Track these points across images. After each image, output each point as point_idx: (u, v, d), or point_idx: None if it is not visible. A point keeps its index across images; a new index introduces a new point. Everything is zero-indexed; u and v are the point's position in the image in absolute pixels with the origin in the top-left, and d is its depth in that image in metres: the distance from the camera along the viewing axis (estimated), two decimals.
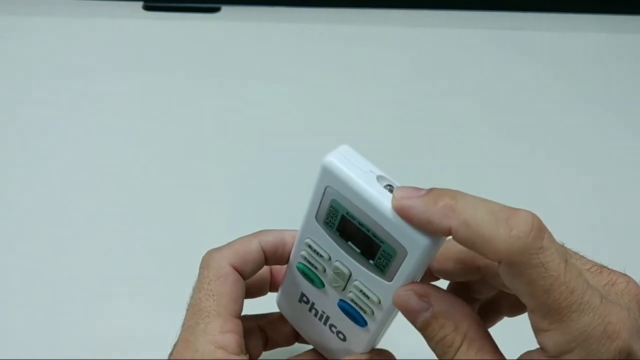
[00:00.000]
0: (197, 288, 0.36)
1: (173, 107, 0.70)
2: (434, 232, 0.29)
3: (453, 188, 0.29)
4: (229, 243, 0.38)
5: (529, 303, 0.28)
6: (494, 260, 0.28)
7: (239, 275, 0.37)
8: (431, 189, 0.29)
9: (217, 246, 0.38)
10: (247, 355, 0.35)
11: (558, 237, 0.29)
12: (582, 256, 0.31)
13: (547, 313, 0.27)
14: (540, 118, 0.72)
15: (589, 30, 0.84)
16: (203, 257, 0.38)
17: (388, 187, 0.30)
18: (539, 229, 0.27)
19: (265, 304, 0.42)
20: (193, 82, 0.73)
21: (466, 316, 0.31)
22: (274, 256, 0.38)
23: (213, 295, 0.35)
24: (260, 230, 0.39)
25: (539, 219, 0.27)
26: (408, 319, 0.32)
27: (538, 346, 0.29)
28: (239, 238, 0.38)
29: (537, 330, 0.28)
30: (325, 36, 0.80)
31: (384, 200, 0.30)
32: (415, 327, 0.32)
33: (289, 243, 0.38)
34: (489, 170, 0.66)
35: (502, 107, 0.73)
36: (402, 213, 0.29)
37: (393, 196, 0.30)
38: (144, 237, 0.58)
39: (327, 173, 0.31)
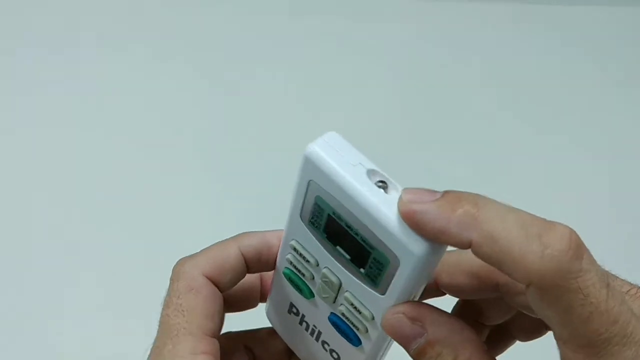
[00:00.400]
0: (166, 303, 0.32)
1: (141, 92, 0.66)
2: (449, 244, 0.25)
3: (469, 190, 0.25)
4: (203, 250, 0.33)
5: (562, 333, 0.25)
6: (521, 283, 0.24)
7: (215, 288, 0.32)
8: (446, 192, 0.25)
9: (190, 253, 0.34)
10: None
11: (594, 250, 0.25)
12: (618, 277, 0.28)
13: (584, 346, 0.24)
14: (575, 106, 0.67)
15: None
16: (173, 267, 0.33)
17: (380, 184, 0.26)
18: (578, 247, 0.24)
19: (257, 318, 0.38)
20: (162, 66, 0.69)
21: (468, 342, 0.27)
22: (258, 262, 0.34)
23: (183, 310, 0.31)
24: (240, 234, 0.34)
25: (577, 235, 0.24)
26: (400, 345, 0.28)
27: None
28: (215, 243, 0.34)
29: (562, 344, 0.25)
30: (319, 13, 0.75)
31: (373, 199, 0.26)
32: (409, 354, 0.28)
33: (275, 245, 0.33)
34: (511, 166, 0.61)
35: (529, 93, 0.68)
36: (411, 220, 0.25)
37: (400, 199, 0.26)
38: (112, 241, 0.54)
39: (310, 164, 0.27)
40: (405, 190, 0.26)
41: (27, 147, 0.62)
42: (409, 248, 0.25)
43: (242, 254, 0.33)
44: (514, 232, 0.24)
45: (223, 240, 0.34)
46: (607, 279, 0.24)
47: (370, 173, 0.26)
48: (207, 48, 0.71)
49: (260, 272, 0.35)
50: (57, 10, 0.72)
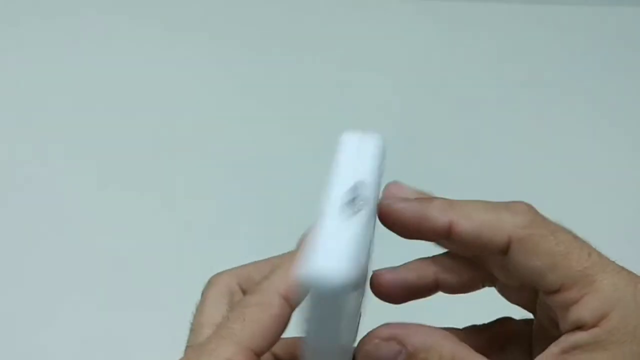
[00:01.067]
0: (232, 307, 0.30)
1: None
2: (429, 231, 0.28)
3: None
4: (280, 267, 0.30)
5: (551, 280, 0.27)
6: (500, 246, 0.27)
7: (289, 310, 0.29)
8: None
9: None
10: None
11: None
12: None
13: (574, 280, 0.27)
14: (575, 106, 0.67)
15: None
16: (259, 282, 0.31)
17: (353, 204, 0.26)
18: (536, 210, 0.28)
19: None
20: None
21: (444, 339, 0.29)
22: None
23: (245, 319, 0.28)
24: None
25: (532, 206, 0.28)
26: None
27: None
28: (288, 260, 0.30)
29: (567, 306, 0.27)
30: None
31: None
32: None
33: None
34: (512, 167, 0.62)
35: (530, 93, 0.69)
36: (392, 216, 0.28)
37: (379, 203, 0.28)
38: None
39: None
40: (384, 196, 0.29)
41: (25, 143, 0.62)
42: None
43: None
44: (485, 209, 0.28)
45: (292, 254, 0.30)
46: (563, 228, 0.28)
47: (354, 189, 0.26)
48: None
49: None
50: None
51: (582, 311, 0.26)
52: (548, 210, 0.29)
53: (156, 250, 0.56)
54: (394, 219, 0.28)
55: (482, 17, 0.76)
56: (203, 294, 0.31)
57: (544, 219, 0.28)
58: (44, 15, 0.71)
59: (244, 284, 0.31)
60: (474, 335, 0.32)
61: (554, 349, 0.27)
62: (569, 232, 0.28)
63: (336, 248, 0.23)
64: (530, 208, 0.28)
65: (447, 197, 0.29)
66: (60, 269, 0.53)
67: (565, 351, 0.27)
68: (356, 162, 0.27)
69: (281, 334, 0.29)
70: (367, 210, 0.25)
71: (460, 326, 0.32)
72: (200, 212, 0.58)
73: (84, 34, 0.71)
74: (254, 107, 0.66)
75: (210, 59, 0.71)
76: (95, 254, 0.54)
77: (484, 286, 0.33)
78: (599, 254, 0.27)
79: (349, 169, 0.27)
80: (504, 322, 0.33)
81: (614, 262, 0.28)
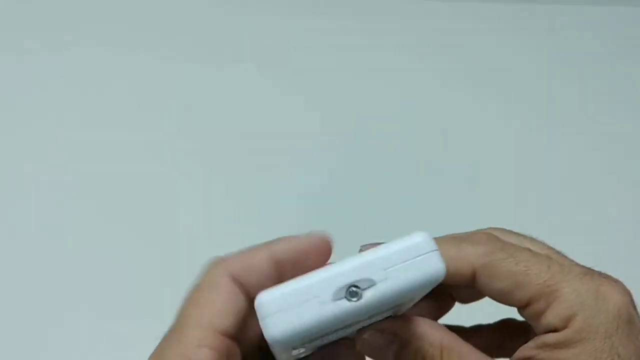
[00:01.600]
0: (185, 297, 0.32)
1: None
2: None
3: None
4: (236, 251, 0.33)
5: (518, 297, 0.30)
6: (467, 276, 0.30)
7: (237, 288, 0.31)
8: None
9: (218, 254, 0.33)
10: None
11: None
12: None
13: (538, 294, 0.29)
14: (577, 106, 0.67)
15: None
16: (203, 266, 0.33)
17: (353, 290, 0.25)
18: (495, 237, 0.31)
19: None
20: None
21: (434, 329, 0.31)
22: (292, 268, 0.32)
23: (199, 304, 0.31)
24: (277, 238, 0.33)
25: (490, 232, 0.31)
26: None
27: None
28: (249, 247, 0.33)
29: (537, 317, 0.30)
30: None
31: None
32: None
33: (312, 252, 0.32)
34: (512, 167, 0.62)
35: (531, 93, 0.69)
36: None
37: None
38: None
39: None
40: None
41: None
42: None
43: (274, 259, 0.32)
44: (449, 244, 0.31)
45: (257, 244, 0.33)
46: (520, 244, 0.31)
47: (364, 282, 0.25)
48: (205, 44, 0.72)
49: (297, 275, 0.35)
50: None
51: (550, 318, 0.29)
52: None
53: (157, 256, 0.56)
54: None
55: (482, 17, 0.76)
56: (196, 281, 0.32)
57: (502, 244, 0.30)
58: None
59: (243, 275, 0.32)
60: (477, 333, 0.35)
61: (530, 344, 0.30)
62: (527, 250, 0.30)
63: (293, 318, 0.24)
64: (489, 236, 0.31)
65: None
66: (60, 275, 0.54)
67: (539, 347, 0.29)
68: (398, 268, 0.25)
69: (240, 313, 0.31)
70: (357, 307, 0.24)
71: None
72: (202, 218, 0.59)
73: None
74: (253, 107, 0.67)
75: (205, 66, 0.71)
76: (96, 259, 0.55)
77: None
78: (560, 264, 0.30)
79: (380, 263, 0.25)
80: (506, 322, 0.35)
81: (576, 266, 0.30)
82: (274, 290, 0.25)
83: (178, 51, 0.71)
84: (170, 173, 0.62)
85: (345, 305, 0.24)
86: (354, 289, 0.24)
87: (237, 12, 0.75)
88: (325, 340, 0.29)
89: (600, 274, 0.30)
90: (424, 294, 0.29)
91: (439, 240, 0.29)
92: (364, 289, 0.24)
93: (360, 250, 0.30)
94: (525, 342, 0.33)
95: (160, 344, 0.31)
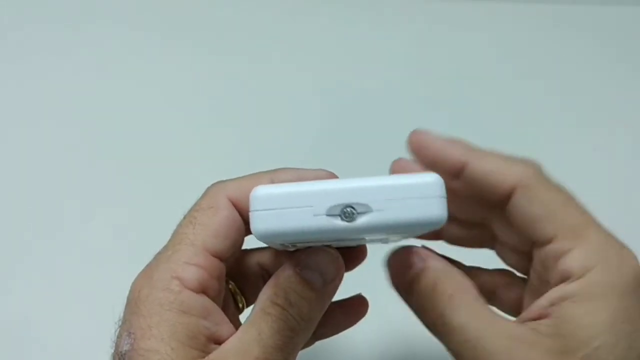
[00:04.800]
0: (185, 215, 0.32)
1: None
2: (446, 163, 0.31)
3: None
4: (238, 177, 0.33)
5: (546, 229, 0.29)
6: (505, 191, 0.30)
7: (236, 212, 0.31)
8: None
9: None
10: (211, 300, 0.30)
11: None
12: None
13: (566, 232, 0.29)
14: (578, 107, 0.66)
15: None
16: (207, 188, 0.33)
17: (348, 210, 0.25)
18: (543, 168, 0.31)
19: None
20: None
21: (458, 275, 0.31)
22: None
23: (195, 224, 0.30)
24: (277, 168, 0.33)
25: (541, 164, 0.32)
26: (396, 279, 0.32)
27: None
28: (252, 174, 0.33)
29: (557, 257, 0.29)
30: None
31: None
32: (403, 280, 0.31)
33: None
34: None
35: (532, 94, 0.68)
36: (421, 144, 0.32)
37: (411, 134, 0.32)
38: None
39: None
40: (413, 133, 0.32)
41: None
42: None
43: None
44: (499, 157, 0.31)
45: (258, 172, 0.33)
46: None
47: (360, 206, 0.25)
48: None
49: None
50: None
51: (570, 262, 0.28)
52: None
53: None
54: (420, 146, 0.32)
55: (482, 17, 0.75)
56: (196, 202, 0.32)
57: (548, 176, 0.31)
58: None
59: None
60: (474, 273, 0.34)
61: (542, 301, 0.29)
62: (569, 192, 0.30)
63: (282, 220, 0.24)
64: (539, 165, 0.31)
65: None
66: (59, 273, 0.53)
67: (553, 303, 0.28)
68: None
69: (236, 236, 0.31)
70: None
71: None
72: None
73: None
74: (254, 107, 0.65)
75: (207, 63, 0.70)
76: (95, 257, 0.53)
77: (482, 246, 0.36)
78: (593, 216, 0.30)
79: (383, 192, 0.25)
80: (504, 272, 0.35)
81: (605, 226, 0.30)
82: (272, 188, 0.25)
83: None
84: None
85: (336, 222, 0.24)
86: (349, 209, 0.24)
87: None
88: (312, 245, 0.29)
89: (622, 242, 0.30)
90: (420, 233, 0.29)
91: (489, 152, 0.31)
92: (359, 213, 0.24)
93: (393, 164, 0.33)
94: (521, 297, 0.34)
95: (152, 260, 0.31)
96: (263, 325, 0.29)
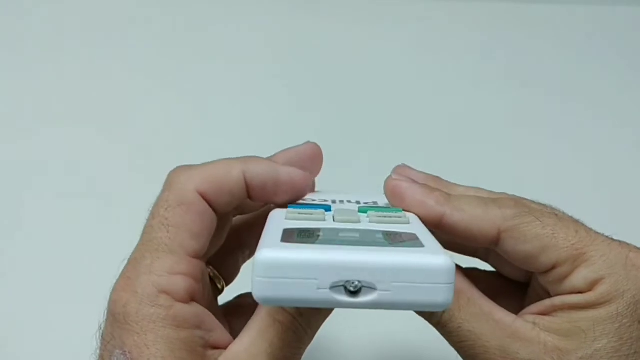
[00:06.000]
0: (153, 213, 0.29)
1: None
2: (424, 214, 0.30)
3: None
4: (204, 163, 0.30)
5: (543, 261, 0.29)
6: (489, 238, 0.29)
7: (208, 207, 0.30)
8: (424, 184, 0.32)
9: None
10: (199, 306, 0.29)
11: None
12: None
13: (565, 257, 0.28)
14: (577, 107, 0.66)
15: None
16: (168, 174, 0.30)
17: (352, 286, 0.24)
18: (522, 201, 0.31)
19: None
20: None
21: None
22: (262, 192, 0.31)
23: (168, 225, 0.29)
24: (249, 156, 0.31)
25: (516, 197, 0.31)
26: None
27: None
28: (219, 160, 0.31)
29: (561, 280, 0.29)
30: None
31: None
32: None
33: (283, 182, 0.31)
34: (513, 168, 0.60)
35: (532, 93, 0.68)
36: (397, 192, 0.31)
37: (388, 178, 0.31)
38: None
39: None
40: (394, 173, 0.32)
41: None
42: None
43: (245, 179, 0.30)
44: (476, 204, 0.30)
45: (228, 159, 0.31)
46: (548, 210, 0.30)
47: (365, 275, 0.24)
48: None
49: (262, 202, 0.33)
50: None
51: (576, 281, 0.28)
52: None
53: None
54: (394, 195, 0.31)
55: (482, 17, 0.75)
56: (161, 195, 0.30)
57: (529, 208, 0.30)
58: None
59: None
60: (474, 275, 0.34)
61: (547, 302, 0.29)
62: (554, 215, 0.30)
63: (286, 291, 0.24)
64: (516, 201, 0.31)
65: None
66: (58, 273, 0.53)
67: (558, 307, 0.29)
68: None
69: (211, 230, 0.30)
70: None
71: None
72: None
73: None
74: (254, 108, 0.65)
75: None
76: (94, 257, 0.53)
77: (475, 257, 0.36)
78: (587, 230, 0.29)
79: (391, 273, 0.24)
80: (501, 275, 0.35)
81: (603, 235, 0.30)
82: (278, 254, 0.24)
83: None
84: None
85: (339, 297, 0.24)
86: (356, 284, 0.24)
87: None
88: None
89: (628, 243, 0.29)
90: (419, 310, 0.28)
91: (465, 199, 0.30)
92: (364, 289, 0.24)
93: (394, 171, 0.33)
94: (520, 297, 0.34)
95: (127, 267, 0.29)
96: (273, 336, 0.28)
